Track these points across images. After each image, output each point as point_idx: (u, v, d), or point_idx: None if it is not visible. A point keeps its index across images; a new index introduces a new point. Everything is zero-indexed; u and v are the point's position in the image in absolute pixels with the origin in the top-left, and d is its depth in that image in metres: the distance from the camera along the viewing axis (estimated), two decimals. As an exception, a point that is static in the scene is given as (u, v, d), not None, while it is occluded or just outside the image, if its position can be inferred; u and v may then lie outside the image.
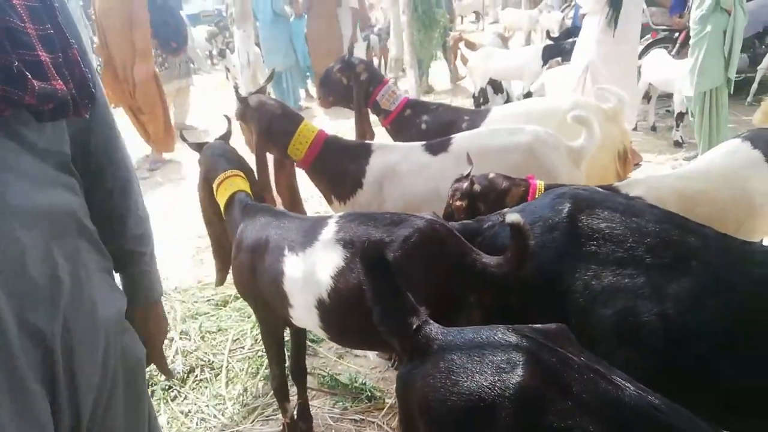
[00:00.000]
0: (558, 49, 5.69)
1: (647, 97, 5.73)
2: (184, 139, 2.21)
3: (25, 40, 0.85)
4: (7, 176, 0.87)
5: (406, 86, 5.87)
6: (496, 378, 0.92)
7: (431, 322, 1.10)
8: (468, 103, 6.54)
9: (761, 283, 1.24)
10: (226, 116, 2.29)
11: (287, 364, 2.09)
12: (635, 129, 5.66)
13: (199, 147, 2.11)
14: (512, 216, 1.36)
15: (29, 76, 0.84)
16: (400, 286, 1.12)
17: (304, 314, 1.70)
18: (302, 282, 1.64)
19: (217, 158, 2.03)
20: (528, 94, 5.42)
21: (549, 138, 2.24)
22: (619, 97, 2.56)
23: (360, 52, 9.25)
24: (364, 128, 2.87)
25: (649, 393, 0.91)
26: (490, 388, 0.92)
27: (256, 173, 2.30)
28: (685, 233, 1.34)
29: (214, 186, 1.98)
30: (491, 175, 1.94)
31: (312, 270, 1.62)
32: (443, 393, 0.97)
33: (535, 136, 2.23)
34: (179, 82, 6.74)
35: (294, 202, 2.69)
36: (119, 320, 1.08)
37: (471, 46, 6.59)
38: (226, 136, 2.18)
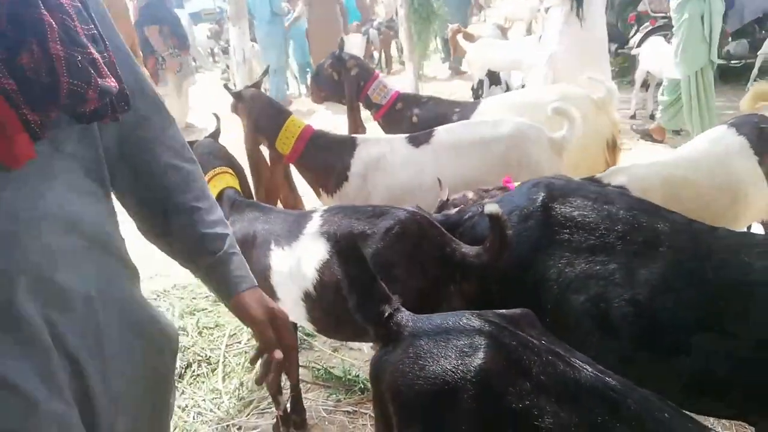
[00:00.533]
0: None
1: (645, 85, 5.71)
2: None
3: (78, 39, 0.84)
4: (47, 182, 0.85)
5: (405, 79, 5.89)
6: (459, 362, 0.95)
7: (403, 309, 1.13)
8: (468, 95, 6.56)
9: (724, 268, 1.27)
10: (215, 114, 2.33)
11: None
12: (634, 117, 5.65)
13: (189, 144, 2.15)
14: (490, 207, 1.39)
15: (92, 72, 0.84)
16: (374, 276, 1.15)
17: (291, 307, 1.73)
18: (288, 275, 1.68)
19: (206, 156, 2.07)
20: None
21: (530, 129, 2.27)
22: (609, 87, 2.57)
23: (360, 46, 9.31)
24: (356, 123, 2.91)
25: (607, 374, 0.94)
26: (453, 372, 0.95)
27: (249, 166, 2.34)
28: (654, 220, 1.36)
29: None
30: (469, 195, 1.92)
31: (298, 263, 1.66)
32: (411, 377, 1.00)
33: (516, 127, 2.26)
34: (185, 82, 6.82)
35: (290, 195, 2.73)
36: (144, 332, 1.03)
37: (469, 37, 6.58)
38: (215, 134, 2.22)
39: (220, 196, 1.96)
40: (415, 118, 2.84)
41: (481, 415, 0.92)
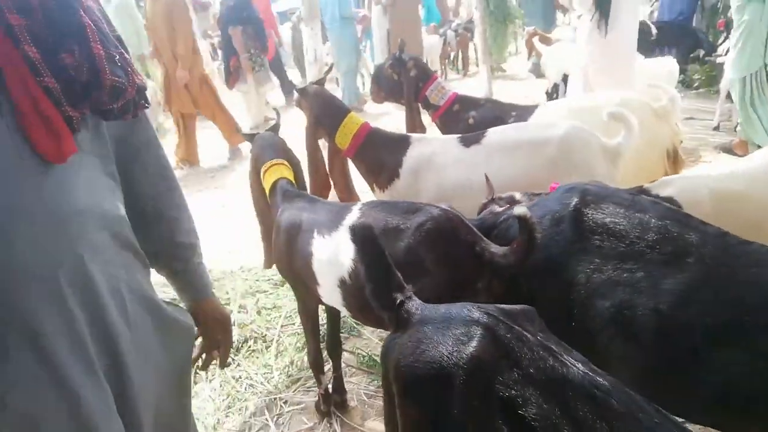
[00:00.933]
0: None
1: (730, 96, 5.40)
2: (239, 131, 2.44)
3: (111, 40, 0.90)
4: (76, 178, 0.89)
5: (479, 81, 5.89)
6: (454, 348, 1.02)
7: (414, 298, 1.21)
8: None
9: (755, 282, 1.25)
10: (275, 109, 2.49)
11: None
12: (717, 128, 5.36)
13: (251, 137, 2.32)
14: (519, 209, 1.44)
15: (129, 69, 0.90)
16: (390, 265, 1.24)
17: (329, 292, 1.85)
18: (327, 263, 1.79)
19: (265, 148, 2.22)
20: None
21: (582, 134, 2.25)
22: (671, 95, 2.51)
23: (437, 48, 9.35)
24: (414, 123, 2.99)
25: (597, 374, 0.97)
26: (448, 357, 1.02)
27: (307, 157, 2.49)
28: (685, 230, 1.35)
29: (261, 173, 2.17)
30: (517, 196, 1.93)
31: (335, 252, 1.76)
32: (411, 360, 1.07)
33: (568, 131, 2.25)
34: (263, 83, 7.15)
35: (346, 188, 2.86)
36: (163, 324, 1.11)
37: (546, 40, 6.46)
38: (275, 128, 2.37)
39: (274, 187, 2.10)
40: (471, 120, 2.88)
41: (471, 399, 0.98)
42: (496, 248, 1.57)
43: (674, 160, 2.52)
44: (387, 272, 1.24)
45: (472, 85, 8.34)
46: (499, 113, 2.84)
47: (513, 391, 0.95)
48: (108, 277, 0.94)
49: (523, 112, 2.83)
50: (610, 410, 0.90)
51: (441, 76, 10.45)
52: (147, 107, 1.02)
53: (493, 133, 2.40)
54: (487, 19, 5.96)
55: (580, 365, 0.98)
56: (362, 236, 1.22)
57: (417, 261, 1.60)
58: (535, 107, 2.85)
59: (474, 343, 1.00)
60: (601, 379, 0.95)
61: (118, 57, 0.88)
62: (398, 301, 1.20)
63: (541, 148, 2.26)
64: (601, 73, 3.43)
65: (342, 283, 1.75)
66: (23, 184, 0.82)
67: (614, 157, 2.29)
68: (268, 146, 2.23)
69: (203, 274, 1.28)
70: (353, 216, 1.77)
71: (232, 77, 6.98)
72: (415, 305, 1.18)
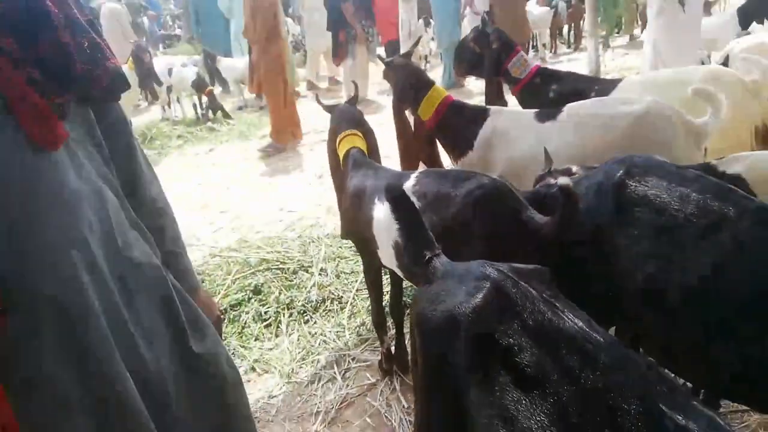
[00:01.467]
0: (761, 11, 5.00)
1: None
2: (319, 102, 2.62)
3: (82, 25, 0.91)
4: (74, 163, 0.93)
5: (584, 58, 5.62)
6: (464, 299, 1.11)
7: (442, 255, 1.31)
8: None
9: None
10: (354, 82, 2.63)
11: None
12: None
13: (330, 108, 2.49)
14: (562, 180, 1.48)
15: (99, 54, 0.92)
16: (422, 223, 1.34)
17: (387, 255, 1.98)
18: (384, 226, 1.92)
19: (342, 119, 2.38)
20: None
21: (663, 109, 2.16)
22: (765, 67, 2.33)
23: (545, 20, 9.00)
24: (494, 97, 3.01)
25: (594, 331, 1.03)
26: (458, 307, 1.11)
27: (395, 129, 2.63)
28: (725, 204, 1.33)
29: (337, 142, 2.34)
30: (573, 169, 1.91)
31: (391, 216, 1.89)
32: (429, 309, 1.18)
33: (648, 106, 2.17)
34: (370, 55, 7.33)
35: (432, 158, 2.96)
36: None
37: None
38: (353, 100, 2.52)
39: (346, 155, 2.26)
40: (552, 93, 2.85)
41: (474, 345, 1.08)
42: (540, 218, 1.62)
43: (764, 138, 2.35)
44: (419, 230, 1.35)
45: (579, 60, 8.01)
46: (582, 87, 2.79)
47: (511, 340, 1.04)
48: (137, 255, 1.02)
49: (606, 86, 2.75)
50: (596, 361, 0.96)
51: (550, 50, 10.08)
52: (127, 89, 1.04)
53: (570, 108, 2.38)
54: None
55: (578, 321, 1.04)
56: (394, 196, 1.33)
57: (465, 226, 1.68)
58: (618, 81, 2.76)
59: (480, 296, 1.09)
60: (595, 335, 1.01)
61: (87, 44, 0.90)
62: (427, 258, 1.30)
63: (618, 125, 2.21)
64: (671, 45, 3.43)
65: (395, 245, 1.88)
66: (25, 171, 0.85)
67: (698, 137, 2.19)
68: (345, 118, 2.38)
69: (184, 265, 1.28)
70: (409, 183, 1.88)
71: (340, 51, 7.24)
72: (441, 262, 1.29)
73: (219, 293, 3.21)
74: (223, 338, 2.79)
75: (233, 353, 2.77)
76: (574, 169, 1.97)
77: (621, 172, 1.52)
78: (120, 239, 1.01)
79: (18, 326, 0.86)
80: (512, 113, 2.62)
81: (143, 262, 1.06)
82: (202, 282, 3.35)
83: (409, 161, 2.95)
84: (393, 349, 2.48)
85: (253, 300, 3.15)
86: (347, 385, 2.48)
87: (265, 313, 3.04)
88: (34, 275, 0.87)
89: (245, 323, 2.98)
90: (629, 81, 2.74)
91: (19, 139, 0.84)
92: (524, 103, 2.98)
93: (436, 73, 8.69)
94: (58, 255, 0.89)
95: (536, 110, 2.52)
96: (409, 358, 1.35)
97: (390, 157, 3.32)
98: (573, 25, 10.36)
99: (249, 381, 2.59)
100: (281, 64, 5.89)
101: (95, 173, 0.99)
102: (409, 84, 2.72)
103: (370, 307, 2.96)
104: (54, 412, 0.91)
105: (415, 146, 2.91)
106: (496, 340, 1.05)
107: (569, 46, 10.77)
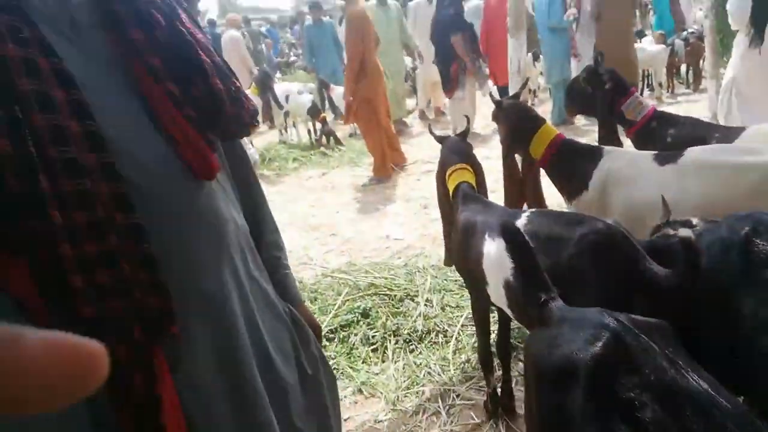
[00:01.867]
0: None
1: None
2: (431, 133, 2.69)
3: (227, 71, 0.98)
4: (217, 193, 0.99)
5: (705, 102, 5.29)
6: (581, 346, 1.10)
7: (558, 299, 1.30)
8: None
9: None
10: (466, 116, 2.67)
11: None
12: None
13: (441, 139, 2.55)
14: (684, 231, 1.42)
15: (243, 98, 0.99)
16: (538, 265, 1.34)
17: (496, 293, 1.97)
18: (495, 263, 1.92)
19: (452, 152, 2.43)
20: None
21: None
22: None
23: (660, 59, 8.53)
24: (608, 138, 2.91)
25: (721, 395, 0.97)
26: (576, 354, 1.10)
27: (503, 169, 2.64)
28: None
29: (446, 175, 2.38)
30: (694, 221, 1.82)
31: (502, 254, 1.88)
32: (546, 353, 1.18)
33: None
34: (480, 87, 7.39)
35: (536, 199, 2.92)
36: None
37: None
38: (464, 134, 2.56)
39: (456, 189, 2.29)
40: (669, 138, 2.71)
41: (592, 394, 1.06)
42: (658, 269, 1.55)
43: None
44: (534, 271, 1.35)
45: (703, 103, 7.50)
46: (701, 133, 2.63)
47: (632, 395, 1.01)
48: (247, 288, 1.05)
49: (728, 133, 2.58)
50: (724, 430, 0.91)
51: (667, 89, 9.54)
52: (257, 124, 1.12)
53: (692, 153, 2.25)
54: (719, 26, 5.28)
55: (703, 383, 0.99)
56: (510, 233, 1.34)
57: (578, 271, 1.64)
58: (742, 129, 2.58)
59: (599, 344, 1.07)
60: (722, 401, 0.96)
61: (233, 89, 0.97)
62: (542, 300, 1.30)
63: (744, 174, 2.07)
64: (758, 88, 3.34)
65: (507, 284, 1.87)
66: (185, 199, 0.92)
67: None
68: (455, 150, 2.42)
69: (293, 281, 1.34)
70: (521, 222, 1.87)
71: (452, 84, 7.36)
72: (557, 305, 1.28)
73: (330, 312, 3.35)
74: (332, 357, 2.92)
75: (341, 373, 2.87)
76: (695, 221, 1.86)
77: (747, 229, 1.44)
78: (252, 264, 1.09)
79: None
80: (628, 153, 2.53)
81: (266, 286, 1.14)
82: (315, 300, 3.54)
83: (514, 202, 2.93)
84: (499, 390, 2.44)
85: (361, 323, 3.25)
86: (451, 422, 2.48)
87: (373, 337, 3.12)
88: (189, 281, 0.93)
89: (353, 345, 3.09)
90: (755, 130, 2.55)
91: (184, 171, 0.91)
92: (639, 147, 2.87)
93: (545, 108, 8.55)
94: (212, 269, 0.96)
95: (655, 152, 2.41)
96: (524, 402, 1.34)
97: (495, 191, 3.31)
98: (690, 64, 9.71)
99: (356, 402, 2.68)
100: (372, 101, 6.10)
101: (233, 203, 1.07)
102: (519, 125, 2.71)
103: (475, 344, 2.95)
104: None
105: (522, 188, 2.88)
106: (616, 392, 1.02)
107: (688, 86, 10.12)
